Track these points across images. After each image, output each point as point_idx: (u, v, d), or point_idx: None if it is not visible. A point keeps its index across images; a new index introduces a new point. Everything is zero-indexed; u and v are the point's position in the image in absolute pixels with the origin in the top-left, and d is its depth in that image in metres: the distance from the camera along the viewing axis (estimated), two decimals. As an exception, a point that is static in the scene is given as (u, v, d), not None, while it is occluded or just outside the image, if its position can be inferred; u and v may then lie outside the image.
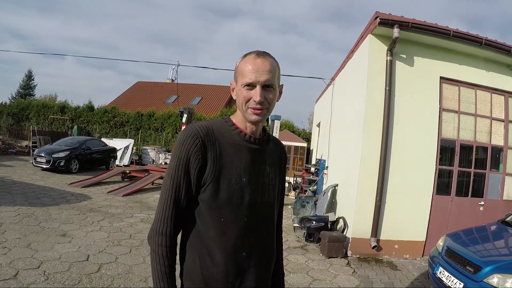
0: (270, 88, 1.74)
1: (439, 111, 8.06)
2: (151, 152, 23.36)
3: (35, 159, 16.17)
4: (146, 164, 21.41)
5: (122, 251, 6.47)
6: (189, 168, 1.69)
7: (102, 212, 9.15)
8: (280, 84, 1.88)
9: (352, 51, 9.42)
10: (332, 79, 12.82)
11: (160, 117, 27.35)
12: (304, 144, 22.53)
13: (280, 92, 1.91)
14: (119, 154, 21.13)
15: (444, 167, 8.26)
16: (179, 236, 1.79)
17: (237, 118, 1.86)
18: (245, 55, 1.78)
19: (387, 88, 7.56)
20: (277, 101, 1.87)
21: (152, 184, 14.72)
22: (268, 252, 1.93)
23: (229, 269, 1.71)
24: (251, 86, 1.71)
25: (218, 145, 1.73)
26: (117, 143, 22.02)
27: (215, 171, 1.70)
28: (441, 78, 8.08)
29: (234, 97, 1.84)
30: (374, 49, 7.68)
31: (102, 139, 22.15)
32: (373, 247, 7.63)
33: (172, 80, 34.38)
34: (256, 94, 1.70)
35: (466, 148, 8.52)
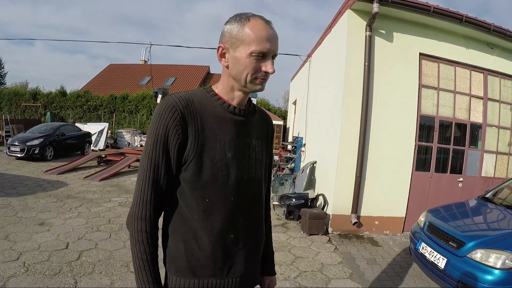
0: (274, 58, 1.62)
1: (419, 88, 8.06)
2: (126, 135, 23.13)
3: (8, 148, 15.82)
4: (122, 147, 21.20)
5: (102, 236, 6.35)
6: (168, 144, 1.53)
7: (79, 198, 8.99)
8: None
9: (330, 27, 9.30)
10: (309, 56, 12.69)
11: (134, 99, 27.11)
12: (281, 122, 22.61)
13: None
14: (94, 138, 20.89)
15: (423, 143, 8.29)
16: (160, 220, 1.65)
17: (221, 88, 1.68)
18: (250, 19, 1.55)
19: (366, 64, 7.49)
20: None
21: (129, 167, 14.65)
22: (257, 233, 1.83)
23: (217, 253, 1.60)
24: (262, 55, 1.55)
25: (199, 118, 1.57)
26: (92, 128, 21.76)
27: (197, 146, 1.54)
28: (420, 54, 8.05)
29: (223, 63, 1.62)
30: (353, 25, 7.56)
31: (76, 124, 21.80)
32: (354, 224, 7.65)
33: (145, 62, 34.15)
34: (269, 65, 1.56)
35: (445, 125, 8.57)
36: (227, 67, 1.61)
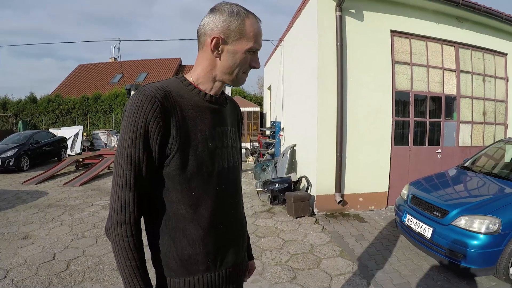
0: None
1: (392, 64, 8.15)
2: (102, 136, 22.74)
3: (-18, 162, 15.16)
4: (99, 149, 20.71)
5: (88, 242, 6.23)
6: (149, 139, 1.43)
7: (61, 206, 8.78)
8: None
9: (300, 10, 9.29)
10: (280, 40, 12.69)
11: (107, 98, 26.62)
12: (257, 108, 22.53)
13: None
14: (69, 143, 20.34)
15: (400, 118, 8.42)
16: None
17: (199, 77, 1.62)
18: (247, 15, 1.56)
19: (338, 44, 7.52)
20: None
21: (108, 169, 14.42)
22: (241, 220, 1.82)
23: (208, 246, 1.57)
24: (255, 51, 1.59)
25: (179, 109, 1.50)
26: (66, 132, 21.22)
27: (180, 139, 1.47)
28: (391, 31, 8.14)
29: (215, 54, 1.56)
30: (323, 5, 7.57)
31: (50, 130, 21.09)
32: (339, 202, 7.74)
33: (115, 59, 33.49)
34: (258, 61, 1.61)
35: (420, 99, 8.71)
36: (219, 58, 1.58)
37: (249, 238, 2.12)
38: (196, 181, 1.53)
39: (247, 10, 1.57)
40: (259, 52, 1.64)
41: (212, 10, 1.57)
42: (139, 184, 1.45)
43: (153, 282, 1.56)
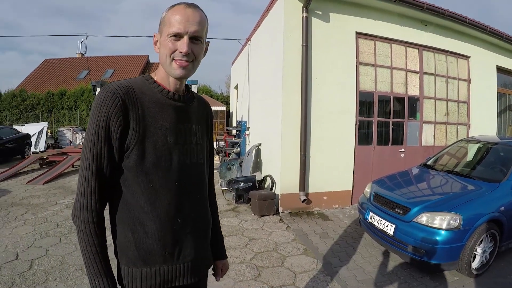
0: (197, 41, 1.63)
1: (356, 65, 8.26)
2: (67, 133, 22.24)
3: None
4: (64, 147, 20.33)
5: (52, 242, 6.07)
6: (110, 132, 1.52)
7: (24, 205, 8.54)
8: (207, 41, 1.76)
9: (267, 10, 9.30)
10: (248, 39, 12.68)
11: (73, 95, 25.85)
12: (224, 108, 22.62)
13: (206, 50, 1.78)
14: (33, 140, 19.80)
15: (364, 118, 8.54)
16: (107, 211, 1.64)
17: (159, 75, 1.71)
18: (173, 5, 1.63)
19: (303, 44, 7.57)
20: (202, 58, 1.75)
21: (72, 167, 14.08)
22: (204, 217, 1.86)
23: (165, 238, 1.62)
24: (178, 36, 1.58)
25: (140, 105, 1.58)
26: (30, 129, 20.54)
27: (139, 133, 1.56)
28: (357, 33, 8.24)
29: (156, 51, 1.68)
30: (289, 7, 7.60)
31: (14, 126, 20.49)
32: (303, 201, 7.78)
33: (82, 54, 32.77)
34: (183, 44, 1.58)
35: (385, 100, 8.85)
36: (159, 53, 1.66)
37: (222, 237, 2.22)
38: (155, 174, 1.59)
39: (182, 2, 1.64)
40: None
41: None
42: (101, 175, 1.54)
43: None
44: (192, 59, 1.63)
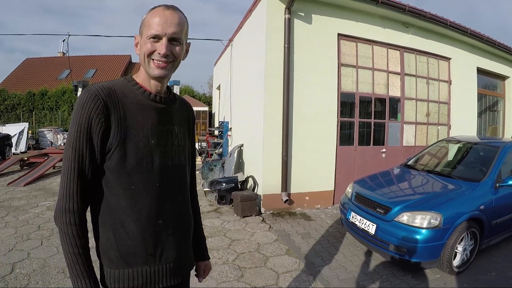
0: (177, 42, 1.64)
1: (338, 66, 8.29)
2: (48, 134, 21.83)
3: None
4: (45, 148, 19.98)
5: (33, 244, 5.95)
6: (92, 133, 1.52)
7: (4, 207, 8.36)
8: (187, 42, 1.77)
9: (250, 11, 9.30)
10: (230, 40, 12.66)
11: (54, 95, 25.44)
12: (206, 108, 22.65)
13: (187, 51, 1.79)
14: (14, 140, 19.36)
15: (345, 119, 8.58)
16: (89, 212, 1.64)
17: (140, 77, 1.72)
18: (153, 8, 1.64)
19: (286, 45, 7.57)
20: (183, 59, 1.77)
21: (54, 168, 13.87)
22: (186, 218, 1.86)
23: (147, 240, 1.62)
24: (157, 38, 1.59)
25: (121, 106, 1.58)
26: (11, 129, 20.06)
27: (120, 134, 1.56)
28: (339, 35, 8.28)
29: (137, 53, 1.69)
30: (272, 8, 7.60)
31: (-6, 127, 20.38)
32: (285, 201, 7.78)
33: (64, 54, 32.31)
34: (161, 46, 1.59)
35: (366, 101, 8.91)
36: (139, 55, 1.68)
37: (204, 238, 2.23)
38: (136, 175, 1.59)
39: (161, 5, 1.65)
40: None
41: None
42: (83, 176, 1.54)
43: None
44: (172, 60, 1.65)
